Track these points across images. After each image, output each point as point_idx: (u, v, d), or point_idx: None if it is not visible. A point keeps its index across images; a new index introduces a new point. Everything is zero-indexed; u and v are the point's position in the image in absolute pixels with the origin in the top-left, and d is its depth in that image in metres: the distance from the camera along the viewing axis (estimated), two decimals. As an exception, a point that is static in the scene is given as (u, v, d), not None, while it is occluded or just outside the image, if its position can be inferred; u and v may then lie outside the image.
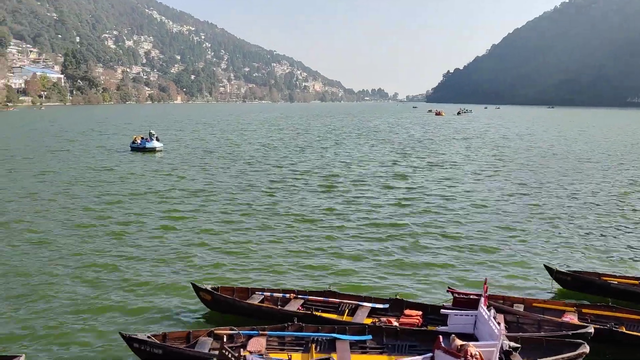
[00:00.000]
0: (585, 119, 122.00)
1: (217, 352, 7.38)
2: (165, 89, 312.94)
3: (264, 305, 10.05)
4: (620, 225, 17.98)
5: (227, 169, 30.69)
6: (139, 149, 40.59)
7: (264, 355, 7.91)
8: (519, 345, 8.00)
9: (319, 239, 15.73)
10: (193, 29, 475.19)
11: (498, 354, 7.59)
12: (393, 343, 8.73)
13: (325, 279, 12.35)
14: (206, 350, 8.16)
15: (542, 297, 11.34)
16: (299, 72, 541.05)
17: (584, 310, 10.09)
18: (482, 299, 8.77)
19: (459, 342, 7.67)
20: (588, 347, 8.09)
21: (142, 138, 41.81)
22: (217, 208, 19.92)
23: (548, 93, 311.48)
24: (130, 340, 8.26)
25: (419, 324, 9.31)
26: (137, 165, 32.82)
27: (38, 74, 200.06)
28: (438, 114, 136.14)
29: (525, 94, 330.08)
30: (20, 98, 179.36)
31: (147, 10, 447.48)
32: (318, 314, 9.67)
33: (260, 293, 10.44)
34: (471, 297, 9.62)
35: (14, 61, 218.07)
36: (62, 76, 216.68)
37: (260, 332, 8.67)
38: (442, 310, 9.30)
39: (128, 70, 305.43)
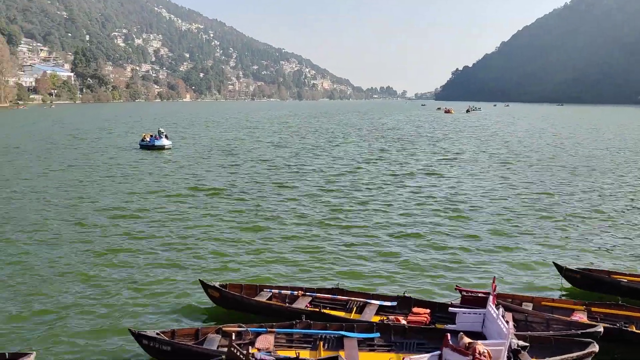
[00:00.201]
0: (595, 116, 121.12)
1: (225, 349, 7.41)
2: (174, 87, 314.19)
3: (271, 302, 10.07)
4: (631, 222, 17.84)
5: (236, 167, 30.76)
6: (148, 146, 40.74)
7: (272, 353, 7.92)
8: (527, 344, 7.95)
9: (326, 237, 15.73)
10: (202, 27, 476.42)
11: (506, 352, 7.56)
12: (401, 341, 8.72)
13: (333, 276, 12.34)
14: (214, 347, 8.19)
15: (551, 295, 11.28)
16: (307, 70, 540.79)
17: (593, 309, 10.01)
18: (491, 297, 8.73)
19: (467, 340, 7.65)
20: (597, 347, 8.02)
21: (151, 136, 41.95)
22: (225, 206, 19.98)
23: (556, 91, 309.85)
24: (139, 337, 8.31)
25: (427, 322, 9.28)
26: (146, 163, 32.97)
27: (48, 72, 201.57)
28: (447, 111, 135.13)
29: (533, 92, 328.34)
30: (31, 96, 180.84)
31: (156, 9, 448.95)
32: (326, 311, 9.67)
33: (268, 290, 10.46)
34: (479, 295, 9.59)
35: (25, 60, 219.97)
36: (72, 74, 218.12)
37: (269, 329, 8.69)
38: (450, 308, 9.27)
39: (137, 68, 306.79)
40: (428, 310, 9.61)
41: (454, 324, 8.92)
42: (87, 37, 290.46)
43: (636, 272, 12.20)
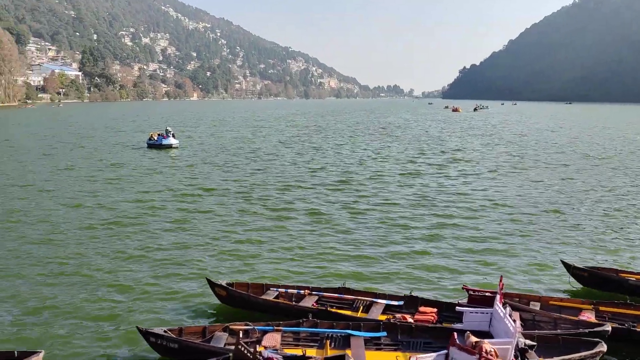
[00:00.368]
0: (603, 114, 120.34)
1: (232, 347, 7.43)
2: (182, 86, 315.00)
3: (278, 301, 10.09)
4: (639, 221, 17.73)
5: (242, 166, 30.81)
6: (155, 145, 40.86)
7: (279, 351, 7.94)
8: (534, 343, 7.93)
9: (333, 236, 15.74)
10: (209, 25, 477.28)
11: (513, 351, 7.53)
12: (408, 340, 8.70)
13: (339, 276, 12.34)
14: (221, 345, 8.21)
15: (558, 293, 11.24)
16: (314, 68, 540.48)
17: (601, 308, 9.94)
18: (498, 296, 8.71)
19: (474, 339, 7.63)
20: (605, 346, 7.98)
21: (159, 135, 42.06)
22: (232, 205, 20.02)
23: (564, 89, 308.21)
24: (147, 335, 8.35)
25: (434, 321, 9.26)
26: (154, 161, 33.09)
27: (56, 71, 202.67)
28: (455, 110, 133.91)
29: (541, 90, 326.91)
30: (39, 95, 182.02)
31: (163, 8, 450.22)
32: (333, 310, 9.67)
33: (274, 289, 10.47)
34: (486, 294, 9.56)
35: (33, 59, 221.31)
36: (79, 73, 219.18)
37: (275, 327, 8.70)
38: (457, 307, 9.24)
39: (145, 67, 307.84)
40: (435, 310, 9.59)
41: (461, 323, 8.90)
42: (95, 37, 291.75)
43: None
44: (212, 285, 10.36)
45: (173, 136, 41.94)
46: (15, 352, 7.69)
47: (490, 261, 13.58)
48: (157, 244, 14.76)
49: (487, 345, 7.34)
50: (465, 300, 9.79)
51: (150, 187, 23.51)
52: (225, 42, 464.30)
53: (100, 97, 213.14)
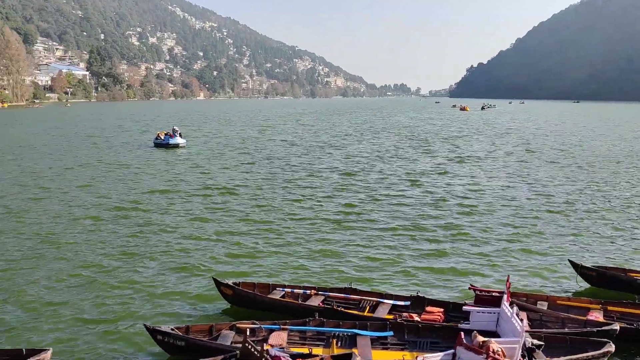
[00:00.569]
0: (612, 113, 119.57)
1: (239, 345, 7.45)
2: (188, 86, 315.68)
3: (284, 300, 10.09)
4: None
5: (249, 166, 30.85)
6: (162, 145, 40.92)
7: (285, 349, 7.94)
8: (542, 343, 7.89)
9: (340, 237, 15.72)
10: (215, 25, 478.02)
11: (520, 350, 7.50)
12: (414, 339, 8.69)
13: (346, 276, 12.33)
14: (228, 343, 8.23)
15: (566, 293, 11.19)
16: (320, 67, 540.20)
17: (609, 308, 9.88)
18: (505, 296, 8.68)
19: (480, 338, 7.60)
20: (613, 346, 7.93)
21: (166, 134, 42.14)
22: (239, 204, 20.05)
23: (572, 88, 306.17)
24: (154, 332, 8.38)
25: (441, 321, 9.24)
26: (160, 161, 33.19)
27: (64, 71, 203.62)
28: (463, 109, 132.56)
29: (549, 88, 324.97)
30: (47, 95, 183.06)
31: (170, 7, 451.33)
32: (339, 309, 9.66)
33: (281, 289, 10.47)
34: (494, 294, 9.52)
35: (41, 58, 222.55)
36: (87, 73, 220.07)
37: (282, 326, 8.71)
38: (464, 307, 9.20)
39: (152, 66, 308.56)
40: (442, 310, 9.57)
41: (468, 322, 8.87)
42: (102, 36, 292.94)
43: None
44: (219, 284, 10.38)
45: (180, 135, 41.99)
46: (24, 350, 7.73)
47: (497, 261, 13.53)
48: (164, 243, 14.81)
49: (494, 344, 7.31)
50: (472, 300, 9.76)
51: (157, 187, 23.58)
52: (231, 41, 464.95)
53: (107, 97, 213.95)
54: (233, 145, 42.64)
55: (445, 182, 25.16)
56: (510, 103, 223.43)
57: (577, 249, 14.48)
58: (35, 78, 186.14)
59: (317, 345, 8.53)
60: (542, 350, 7.82)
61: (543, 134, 56.50)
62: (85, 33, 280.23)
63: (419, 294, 10.12)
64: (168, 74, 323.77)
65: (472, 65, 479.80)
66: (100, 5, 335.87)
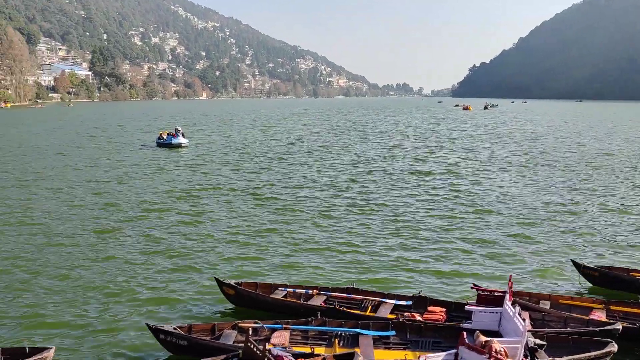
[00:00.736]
0: (615, 113, 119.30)
1: (241, 345, 7.46)
2: (191, 85, 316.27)
3: (286, 299, 10.09)
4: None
5: (252, 166, 30.88)
6: (164, 144, 40.97)
7: (288, 349, 7.95)
8: (544, 342, 7.88)
9: (342, 237, 15.71)
10: (218, 25, 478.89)
11: (523, 350, 7.49)
12: (417, 339, 8.69)
13: (348, 276, 12.33)
14: (231, 343, 8.24)
15: (569, 293, 11.16)
16: (323, 67, 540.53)
17: (612, 308, 9.86)
18: (507, 296, 8.67)
19: (483, 338, 7.60)
20: (616, 346, 7.91)
21: (168, 134, 42.19)
22: (241, 204, 20.07)
23: (575, 87, 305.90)
24: (156, 331, 8.40)
25: (443, 321, 9.23)
26: (163, 161, 33.23)
27: (67, 71, 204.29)
28: (465, 108, 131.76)
29: (551, 88, 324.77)
30: (50, 95, 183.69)
31: (172, 7, 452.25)
32: (341, 309, 9.66)
33: (283, 289, 10.46)
34: (496, 294, 9.51)
35: (44, 59, 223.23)
36: (90, 73, 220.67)
37: (284, 325, 8.72)
38: (466, 307, 9.19)
39: (154, 66, 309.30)
40: (444, 309, 9.56)
41: (470, 322, 8.86)
42: (105, 36, 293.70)
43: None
44: (220, 284, 10.39)
45: (183, 135, 42.03)
46: (27, 348, 7.75)
47: (499, 260, 13.52)
48: (166, 242, 14.83)
49: (497, 344, 7.30)
50: (474, 300, 9.74)
51: (159, 187, 23.61)
52: (234, 41, 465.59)
53: (110, 97, 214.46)
54: (235, 145, 42.66)
55: (449, 182, 25.13)
56: (512, 103, 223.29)
57: (580, 249, 14.45)
58: (38, 78, 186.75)
59: (320, 345, 8.53)
60: (544, 350, 7.81)
61: (546, 133, 56.41)
62: (87, 33, 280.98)
63: (421, 294, 10.11)
64: (170, 73, 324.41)
65: (474, 65, 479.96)
66: (102, 5, 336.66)
